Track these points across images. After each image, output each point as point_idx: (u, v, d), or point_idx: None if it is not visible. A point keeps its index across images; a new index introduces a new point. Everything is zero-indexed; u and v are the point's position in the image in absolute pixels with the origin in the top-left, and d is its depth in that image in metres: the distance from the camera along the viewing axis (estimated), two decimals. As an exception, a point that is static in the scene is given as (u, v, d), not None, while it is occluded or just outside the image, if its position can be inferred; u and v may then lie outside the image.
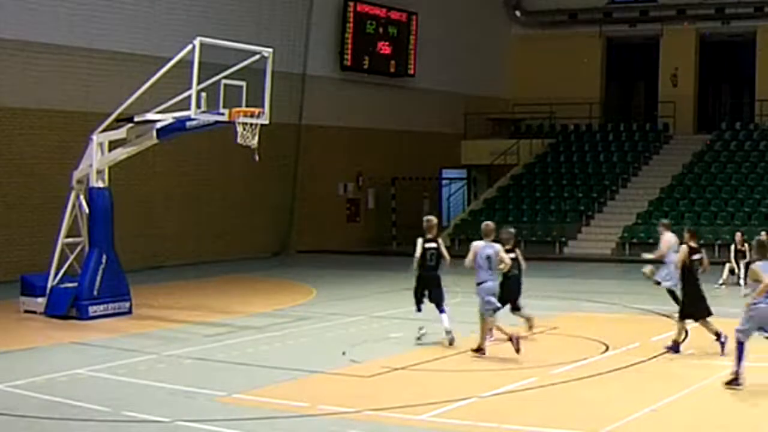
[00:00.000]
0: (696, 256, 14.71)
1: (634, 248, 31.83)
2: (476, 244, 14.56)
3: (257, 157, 18.02)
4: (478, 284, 14.49)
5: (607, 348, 14.99)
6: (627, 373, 13.33)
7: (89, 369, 13.70)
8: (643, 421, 10.63)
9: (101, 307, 18.76)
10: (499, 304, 14.60)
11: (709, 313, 14.60)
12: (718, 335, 14.39)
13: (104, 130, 19.33)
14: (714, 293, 22.73)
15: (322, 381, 13.17)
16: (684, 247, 14.73)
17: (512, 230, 16.05)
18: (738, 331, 12.38)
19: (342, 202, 35.86)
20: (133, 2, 27.39)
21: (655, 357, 14.15)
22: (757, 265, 12.49)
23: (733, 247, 24.36)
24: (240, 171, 28.80)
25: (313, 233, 33.57)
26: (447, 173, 41.02)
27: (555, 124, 40.39)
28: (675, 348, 14.62)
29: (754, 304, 12.31)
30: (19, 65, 24.91)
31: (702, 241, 30.39)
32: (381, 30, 36.05)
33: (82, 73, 26.20)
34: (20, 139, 25.33)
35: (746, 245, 24.00)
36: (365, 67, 35.65)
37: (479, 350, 14.44)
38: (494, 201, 36.68)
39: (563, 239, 33.21)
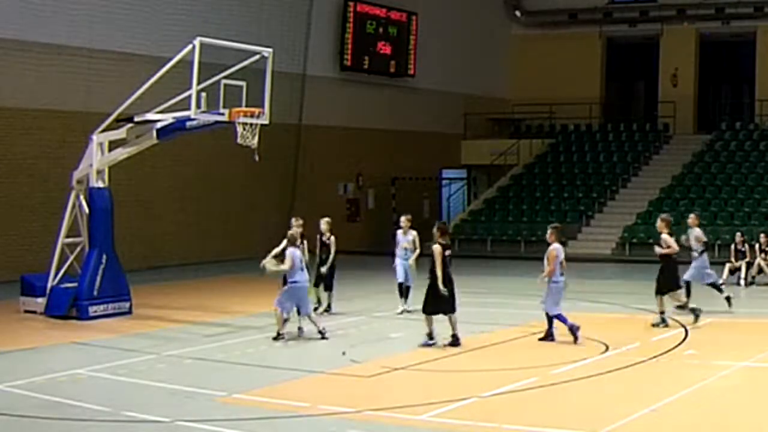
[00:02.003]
0: (447, 252, 15.17)
1: (634, 248, 31.87)
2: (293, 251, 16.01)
3: (257, 157, 18.03)
4: (293, 282, 15.86)
5: (607, 348, 14.99)
6: (627, 373, 13.33)
7: (89, 369, 13.70)
8: (643, 421, 10.63)
9: (101, 307, 18.76)
10: (287, 307, 15.92)
11: (446, 313, 15.23)
12: (455, 337, 15.16)
13: (104, 130, 19.32)
14: (713, 292, 22.80)
15: (322, 381, 13.17)
16: (437, 247, 15.00)
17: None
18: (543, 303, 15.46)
19: (342, 202, 35.85)
20: (133, 2, 27.37)
21: (655, 357, 14.15)
22: (555, 248, 15.54)
23: (733, 247, 24.35)
24: (240, 171, 28.80)
25: (313, 233, 33.47)
26: (447, 173, 41.01)
27: (555, 124, 40.36)
28: (454, 343, 15.17)
29: (554, 282, 15.35)
30: (19, 65, 24.91)
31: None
32: (381, 30, 36.05)
33: (82, 73, 26.18)
34: (20, 139, 25.32)
35: (746, 245, 24.02)
36: (365, 67, 35.65)
37: (279, 336, 15.91)
38: (494, 201, 36.67)
39: (563, 239, 33.13)
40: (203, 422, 10.79)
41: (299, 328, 16.22)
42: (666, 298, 17.00)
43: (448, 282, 15.05)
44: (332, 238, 19.17)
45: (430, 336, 15.24)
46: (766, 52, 38.40)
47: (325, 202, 34.44)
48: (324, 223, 19.26)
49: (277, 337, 15.91)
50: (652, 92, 41.15)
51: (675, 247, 17.08)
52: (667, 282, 17.00)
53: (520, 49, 41.89)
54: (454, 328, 15.19)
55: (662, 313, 16.93)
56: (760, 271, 23.48)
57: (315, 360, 14.49)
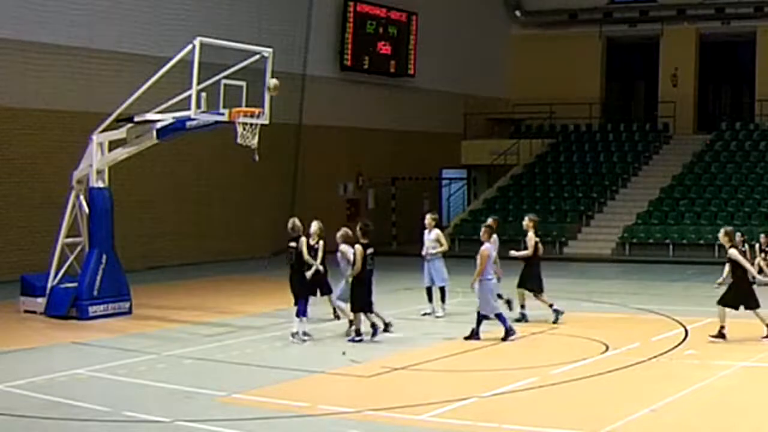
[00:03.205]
0: (369, 251, 15.69)
1: (634, 248, 31.88)
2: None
3: (257, 157, 18.02)
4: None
5: (607, 348, 14.99)
6: (627, 373, 13.33)
7: (89, 369, 13.70)
8: (643, 421, 10.63)
9: (101, 307, 18.76)
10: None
11: (371, 310, 15.96)
12: (364, 330, 15.79)
13: (104, 130, 19.33)
14: (713, 292, 22.80)
15: (322, 381, 13.18)
16: (358, 246, 15.60)
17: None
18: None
19: (342, 202, 35.85)
20: (133, 2, 27.38)
21: (655, 357, 14.15)
22: (487, 247, 15.68)
23: (733, 247, 24.30)
24: (240, 171, 28.78)
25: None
26: (447, 173, 41.02)
27: (555, 124, 40.38)
28: (357, 338, 15.73)
29: (487, 279, 15.54)
30: (19, 65, 24.91)
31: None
32: (381, 30, 36.05)
33: (82, 73, 26.18)
34: (20, 139, 25.32)
35: (746, 245, 24.01)
36: (365, 67, 35.65)
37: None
38: (494, 201, 36.67)
39: (563, 239, 33.22)
40: (203, 422, 10.78)
41: (305, 333, 16.07)
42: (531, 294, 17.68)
43: (368, 281, 15.76)
44: (321, 242, 18.63)
45: (358, 332, 15.76)
46: (766, 52, 38.40)
47: (325, 202, 34.51)
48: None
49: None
50: (652, 92, 41.15)
51: (531, 250, 17.52)
52: (534, 282, 17.54)
53: (520, 49, 41.87)
54: (369, 321, 15.85)
55: (522, 307, 17.63)
56: (760, 271, 23.47)
57: (315, 360, 14.49)
